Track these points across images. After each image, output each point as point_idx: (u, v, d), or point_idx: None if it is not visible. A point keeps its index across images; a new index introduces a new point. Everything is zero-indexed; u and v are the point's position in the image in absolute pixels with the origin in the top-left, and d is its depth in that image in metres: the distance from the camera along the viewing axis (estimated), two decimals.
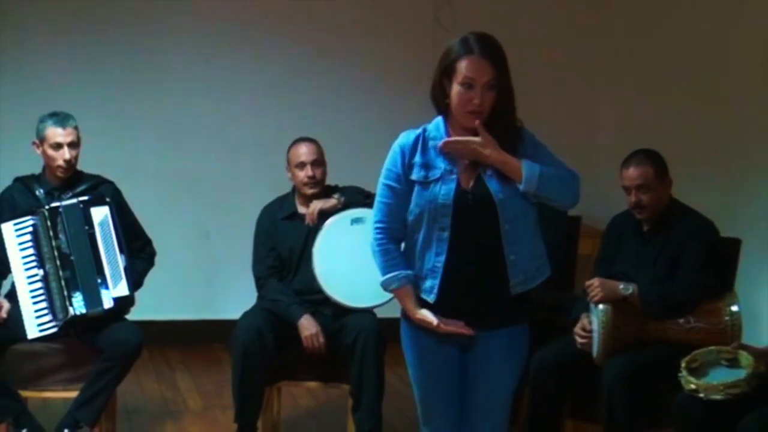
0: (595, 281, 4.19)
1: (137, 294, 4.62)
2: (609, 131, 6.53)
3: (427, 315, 3.23)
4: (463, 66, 3.17)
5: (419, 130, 3.30)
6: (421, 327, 3.27)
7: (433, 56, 6.48)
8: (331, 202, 4.72)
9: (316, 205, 4.71)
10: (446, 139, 3.22)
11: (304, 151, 4.75)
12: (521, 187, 3.16)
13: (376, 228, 3.29)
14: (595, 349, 4.16)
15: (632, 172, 4.25)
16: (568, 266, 4.91)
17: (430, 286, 3.24)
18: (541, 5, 6.64)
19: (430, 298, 3.24)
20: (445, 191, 3.21)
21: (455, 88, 3.19)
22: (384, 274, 3.27)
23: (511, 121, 3.23)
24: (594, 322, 4.19)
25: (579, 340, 4.25)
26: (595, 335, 4.16)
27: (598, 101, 6.63)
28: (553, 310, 4.61)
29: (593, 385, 4.15)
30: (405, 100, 6.12)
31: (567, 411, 4.35)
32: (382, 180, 3.30)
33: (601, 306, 4.13)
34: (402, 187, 3.26)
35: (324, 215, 4.69)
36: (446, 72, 3.21)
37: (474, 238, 3.21)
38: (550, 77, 6.62)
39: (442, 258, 3.21)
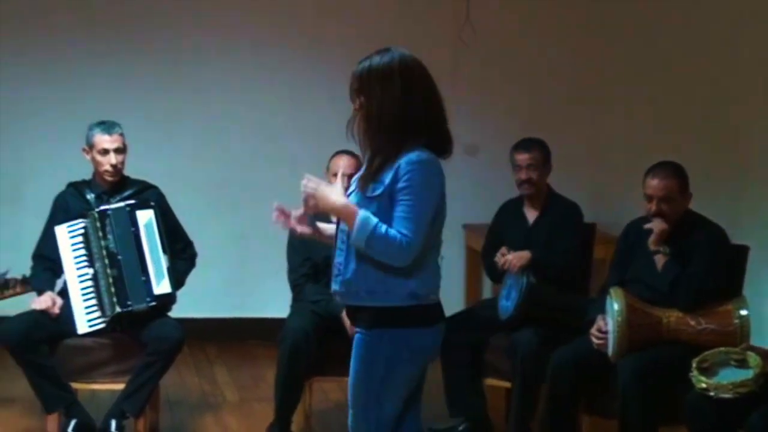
0: None
1: (178, 293, 4.62)
2: (621, 141, 6.50)
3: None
4: None
5: None
6: None
7: (454, 73, 6.56)
8: None
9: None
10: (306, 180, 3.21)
11: (342, 164, 4.72)
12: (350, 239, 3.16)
13: None
14: (610, 349, 4.14)
15: (657, 183, 4.22)
16: (583, 270, 4.89)
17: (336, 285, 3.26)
18: (555, 21, 6.62)
19: (338, 298, 3.28)
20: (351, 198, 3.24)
21: None
22: None
23: (377, 138, 3.15)
24: (609, 323, 4.17)
25: (595, 341, 4.23)
26: (611, 336, 4.14)
27: (611, 112, 6.60)
28: (569, 311, 4.60)
29: (609, 383, 4.14)
30: None
31: (583, 407, 4.32)
32: None
33: (616, 307, 4.11)
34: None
35: None
36: None
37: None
38: (564, 89, 6.61)
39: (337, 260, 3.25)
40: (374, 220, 3.10)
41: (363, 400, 3.23)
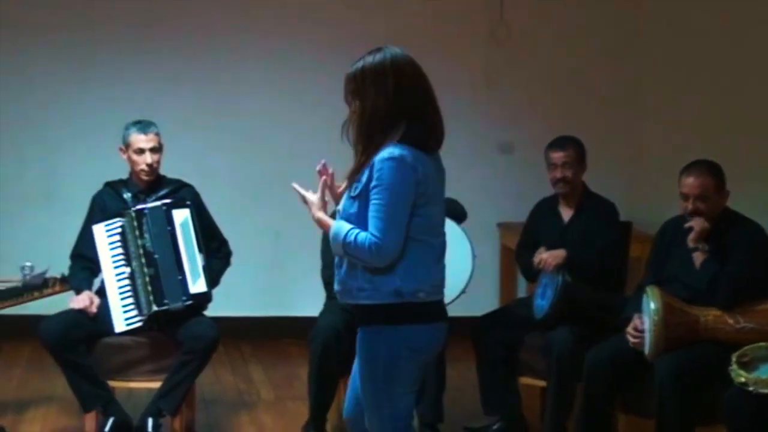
0: None
1: (213, 291, 4.63)
2: (657, 140, 6.46)
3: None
4: None
5: None
6: None
7: (488, 73, 6.54)
8: None
9: None
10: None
11: None
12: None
13: None
14: (647, 348, 4.11)
15: (693, 181, 4.18)
16: (619, 269, 4.86)
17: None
18: (590, 20, 6.58)
19: (338, 297, 3.29)
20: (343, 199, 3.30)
21: None
22: None
23: (374, 137, 3.13)
24: (646, 322, 4.14)
25: (631, 339, 4.20)
26: (647, 335, 4.11)
27: (647, 110, 6.56)
28: (605, 310, 4.57)
29: (645, 381, 4.11)
30: (460, 113, 6.09)
31: (620, 406, 4.29)
32: None
33: (653, 305, 4.08)
34: None
35: None
36: None
37: None
38: (599, 88, 6.58)
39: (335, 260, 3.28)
40: (344, 229, 3.13)
41: (372, 399, 3.24)
